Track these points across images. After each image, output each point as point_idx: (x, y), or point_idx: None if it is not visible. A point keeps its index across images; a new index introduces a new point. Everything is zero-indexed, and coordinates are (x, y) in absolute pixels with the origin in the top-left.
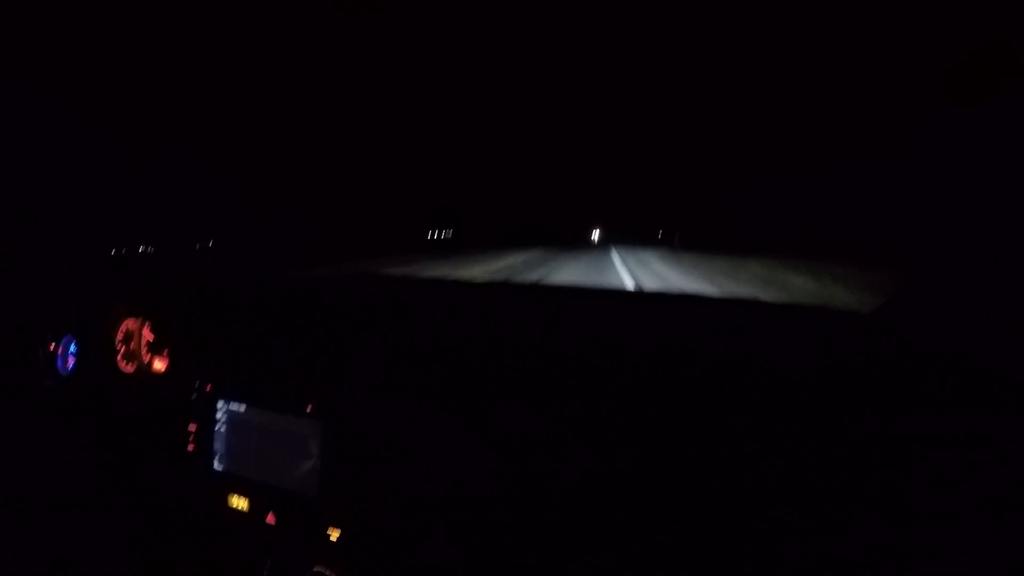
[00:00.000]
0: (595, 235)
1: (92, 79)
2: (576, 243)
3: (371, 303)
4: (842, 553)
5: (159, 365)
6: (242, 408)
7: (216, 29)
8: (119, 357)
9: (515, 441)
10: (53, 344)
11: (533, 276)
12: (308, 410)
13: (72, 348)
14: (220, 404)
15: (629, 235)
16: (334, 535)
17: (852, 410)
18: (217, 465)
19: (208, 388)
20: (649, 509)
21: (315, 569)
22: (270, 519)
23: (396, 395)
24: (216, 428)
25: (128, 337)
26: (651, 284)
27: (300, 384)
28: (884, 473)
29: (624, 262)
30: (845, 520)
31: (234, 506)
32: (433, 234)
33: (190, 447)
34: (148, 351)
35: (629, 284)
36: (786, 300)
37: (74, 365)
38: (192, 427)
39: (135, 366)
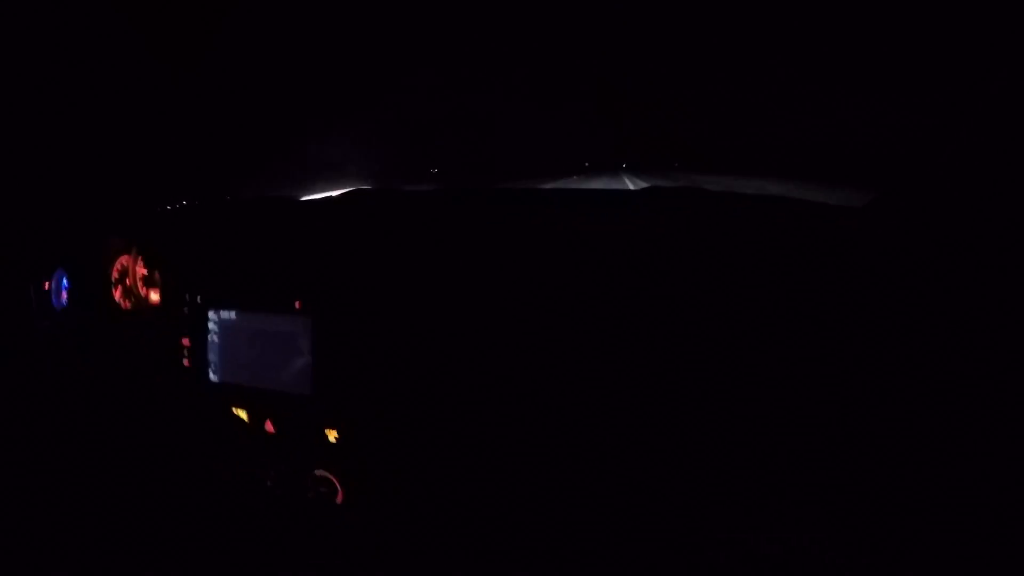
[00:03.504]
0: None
1: (72, 34)
2: None
3: (353, 207)
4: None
5: (155, 297)
6: (232, 315)
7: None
8: (117, 293)
9: (502, 332)
10: (47, 282)
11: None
12: (297, 307)
13: (64, 283)
14: (211, 314)
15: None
16: (332, 436)
17: (852, 304)
18: (213, 376)
19: (198, 299)
20: (651, 413)
21: (316, 473)
22: (269, 426)
23: (383, 289)
24: (209, 339)
25: (124, 274)
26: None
27: (287, 283)
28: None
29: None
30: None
31: (234, 416)
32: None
33: (185, 362)
34: (144, 285)
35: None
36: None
37: (67, 300)
38: (186, 342)
39: (132, 302)
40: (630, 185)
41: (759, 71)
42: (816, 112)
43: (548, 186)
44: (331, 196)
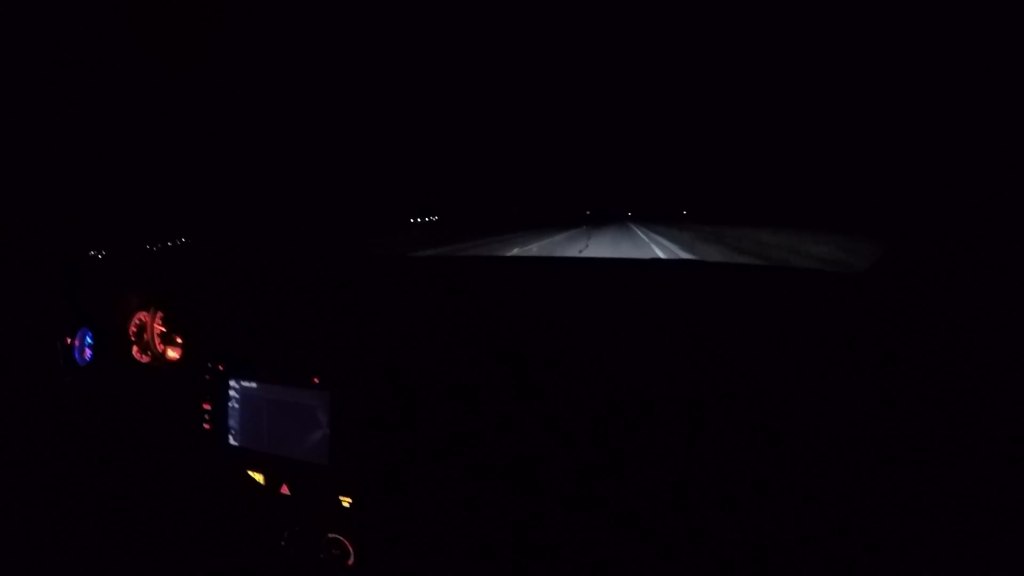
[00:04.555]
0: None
1: (96, 77)
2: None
3: (374, 281)
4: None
5: (173, 354)
6: (253, 384)
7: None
8: (134, 348)
9: (515, 407)
10: (69, 338)
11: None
12: (315, 381)
13: (88, 340)
14: (232, 382)
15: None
16: (346, 502)
17: (849, 366)
18: (232, 441)
19: (220, 368)
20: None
21: (329, 536)
22: (284, 489)
23: (400, 364)
24: (229, 405)
25: (141, 329)
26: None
27: (307, 357)
28: (882, 432)
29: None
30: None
31: (251, 479)
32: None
33: (206, 426)
34: (161, 341)
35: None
36: (781, 263)
37: (91, 356)
38: (207, 406)
39: (150, 356)
40: (639, 233)
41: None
42: (818, 156)
43: (554, 244)
44: (353, 265)
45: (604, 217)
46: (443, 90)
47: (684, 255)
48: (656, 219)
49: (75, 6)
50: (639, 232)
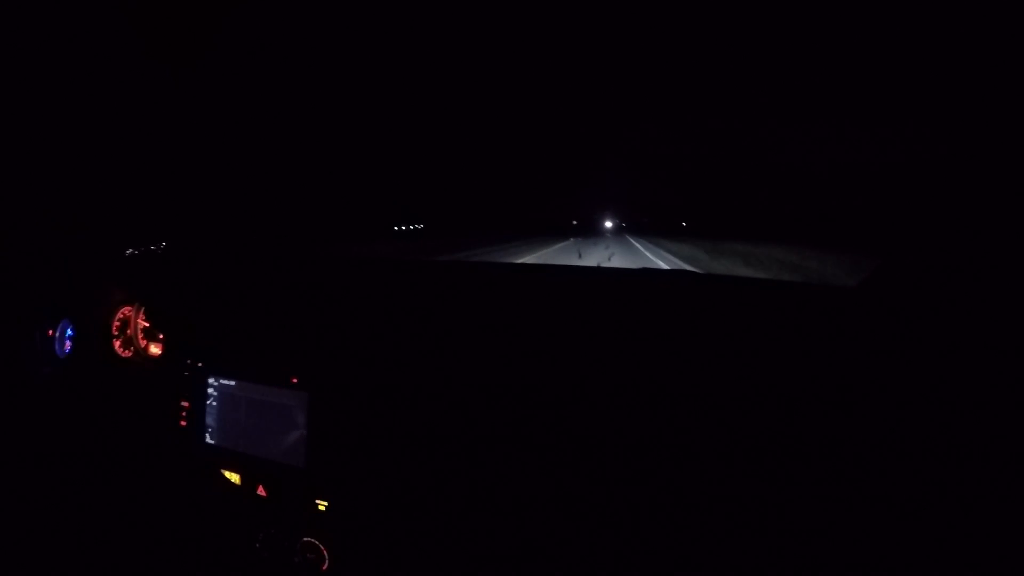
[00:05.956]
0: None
1: (89, 73)
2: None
3: (354, 283)
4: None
5: (155, 350)
6: (232, 383)
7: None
8: (117, 343)
9: (495, 411)
10: (51, 330)
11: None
12: (294, 381)
13: (68, 332)
14: (211, 380)
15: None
16: (322, 506)
17: (843, 378)
18: (209, 439)
19: (200, 364)
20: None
21: (304, 539)
22: (261, 491)
23: (379, 367)
24: (208, 403)
25: (125, 324)
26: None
27: (286, 358)
28: (878, 445)
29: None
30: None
31: (226, 479)
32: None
33: (182, 423)
34: (144, 337)
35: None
36: (777, 277)
37: (70, 348)
38: (185, 403)
39: (132, 351)
40: (636, 246)
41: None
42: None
43: (549, 254)
44: (333, 265)
45: (596, 229)
46: (429, 88)
47: (685, 268)
48: (654, 232)
49: (66, 4)
50: (634, 244)
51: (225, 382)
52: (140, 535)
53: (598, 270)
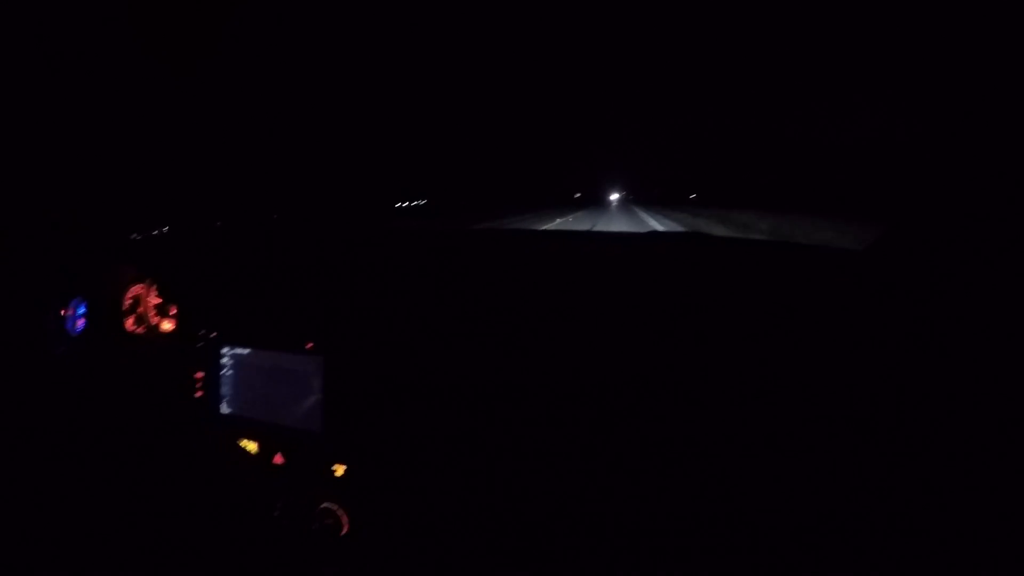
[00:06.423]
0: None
1: (90, 60)
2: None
3: (367, 248)
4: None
5: (167, 325)
6: (246, 351)
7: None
8: (129, 320)
9: (512, 375)
10: (64, 309)
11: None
12: (309, 346)
13: (81, 310)
14: (225, 349)
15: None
16: (339, 471)
17: (849, 343)
18: (225, 408)
19: (213, 335)
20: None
21: (323, 506)
22: (278, 459)
23: (394, 330)
24: (222, 373)
25: (136, 302)
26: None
27: (300, 323)
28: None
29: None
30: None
31: (243, 448)
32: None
33: (198, 394)
34: (156, 313)
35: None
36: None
37: (84, 326)
38: (199, 374)
39: (144, 328)
40: (642, 216)
41: (763, 96)
42: (820, 134)
43: (561, 226)
44: (346, 233)
45: (602, 200)
46: (433, 71)
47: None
48: (660, 202)
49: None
50: (642, 215)
51: (239, 350)
52: (158, 509)
53: (605, 234)
